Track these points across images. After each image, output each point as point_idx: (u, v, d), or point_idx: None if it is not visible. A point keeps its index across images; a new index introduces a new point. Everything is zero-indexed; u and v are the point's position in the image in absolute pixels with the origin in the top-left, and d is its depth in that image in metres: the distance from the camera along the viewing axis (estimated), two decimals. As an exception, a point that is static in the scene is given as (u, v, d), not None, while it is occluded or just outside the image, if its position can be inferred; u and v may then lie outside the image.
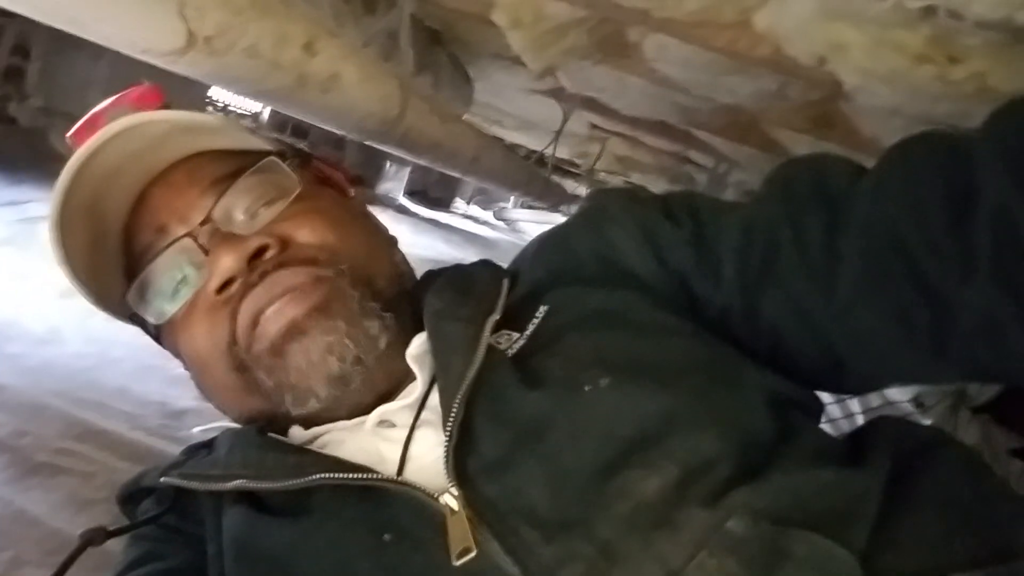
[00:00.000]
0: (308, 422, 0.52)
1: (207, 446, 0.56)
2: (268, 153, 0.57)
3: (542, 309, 0.50)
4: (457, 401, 0.43)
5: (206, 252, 0.51)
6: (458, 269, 0.60)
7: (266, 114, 5.49)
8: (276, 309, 0.50)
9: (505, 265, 0.61)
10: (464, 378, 0.44)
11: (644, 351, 0.46)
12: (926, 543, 0.38)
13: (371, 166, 6.81)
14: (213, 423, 0.57)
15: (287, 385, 0.51)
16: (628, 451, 0.41)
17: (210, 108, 4.80)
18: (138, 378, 1.23)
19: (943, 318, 0.41)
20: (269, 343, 0.50)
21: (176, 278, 0.54)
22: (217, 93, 5.36)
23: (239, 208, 0.53)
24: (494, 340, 0.48)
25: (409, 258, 0.63)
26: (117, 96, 0.58)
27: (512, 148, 3.38)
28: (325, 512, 0.46)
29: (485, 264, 0.61)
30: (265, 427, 0.53)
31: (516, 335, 0.49)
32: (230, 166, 0.55)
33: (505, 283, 0.53)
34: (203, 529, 0.52)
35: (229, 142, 0.56)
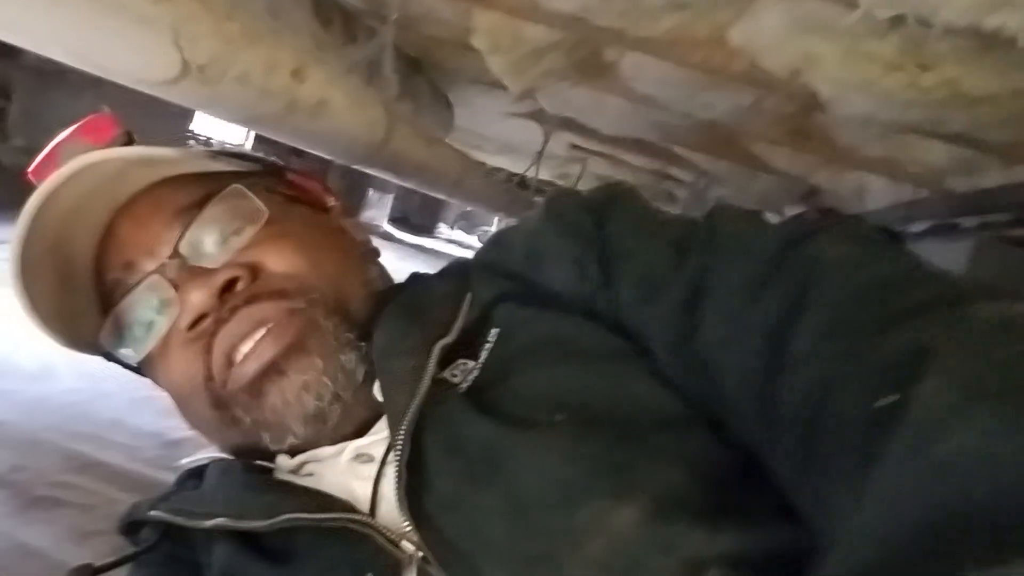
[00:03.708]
0: (293, 450, 0.51)
1: (198, 474, 0.55)
2: (233, 176, 0.55)
3: (493, 332, 0.49)
4: (401, 437, 0.42)
5: (175, 287, 0.50)
6: (416, 285, 0.58)
7: (248, 146, 5.51)
8: (253, 349, 0.49)
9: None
10: (406, 413, 0.43)
11: (600, 384, 0.44)
12: None
13: (354, 194, 6.84)
14: (202, 453, 0.57)
15: (264, 423, 0.50)
16: (593, 476, 0.38)
17: (192, 142, 4.81)
18: (132, 411, 1.22)
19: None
20: (247, 382, 0.49)
21: (147, 316, 0.52)
22: (199, 126, 5.39)
23: (206, 240, 0.52)
24: (448, 373, 0.46)
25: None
26: (71, 129, 0.56)
27: (493, 171, 3.41)
28: (307, 552, 0.45)
29: (453, 272, 0.58)
30: (252, 457, 0.52)
31: (471, 364, 0.47)
32: (196, 193, 0.53)
33: (467, 300, 0.51)
34: (200, 557, 0.51)
35: (192, 167, 0.55)
